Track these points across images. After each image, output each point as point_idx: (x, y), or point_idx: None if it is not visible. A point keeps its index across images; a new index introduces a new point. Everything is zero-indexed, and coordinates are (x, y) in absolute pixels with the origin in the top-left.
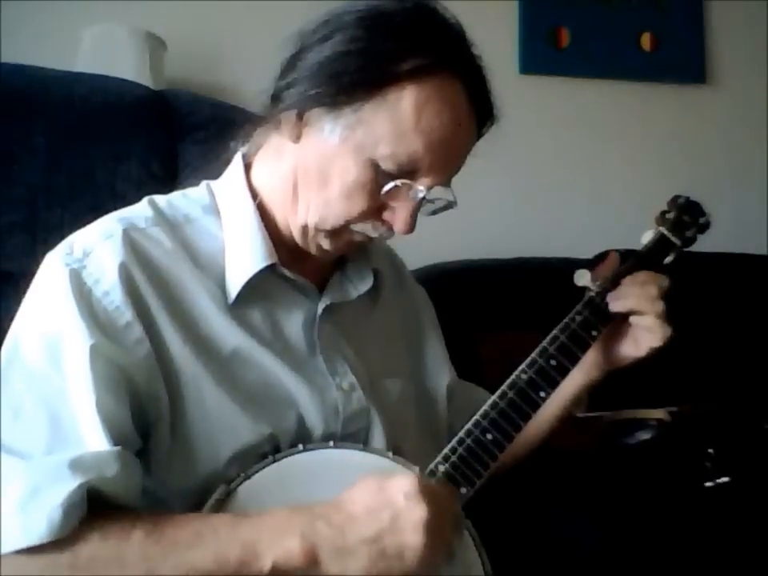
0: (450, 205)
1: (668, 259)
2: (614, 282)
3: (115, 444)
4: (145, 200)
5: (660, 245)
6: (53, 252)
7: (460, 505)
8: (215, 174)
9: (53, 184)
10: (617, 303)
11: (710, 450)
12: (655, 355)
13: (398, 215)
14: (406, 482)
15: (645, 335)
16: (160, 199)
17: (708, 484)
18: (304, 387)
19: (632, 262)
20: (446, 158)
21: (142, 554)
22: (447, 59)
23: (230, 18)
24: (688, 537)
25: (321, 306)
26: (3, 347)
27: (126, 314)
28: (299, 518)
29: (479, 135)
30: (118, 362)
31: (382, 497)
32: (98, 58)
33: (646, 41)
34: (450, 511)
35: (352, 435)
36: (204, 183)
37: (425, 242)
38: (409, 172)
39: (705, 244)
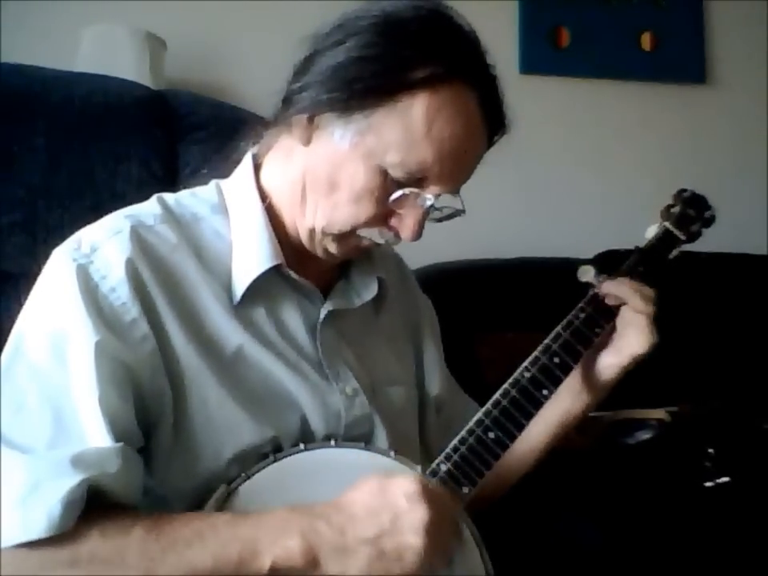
0: (457, 213)
1: (673, 254)
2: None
3: (118, 440)
4: (154, 197)
5: (664, 240)
6: (60, 247)
7: (461, 507)
8: (217, 174)
9: (53, 184)
10: (612, 288)
11: (710, 450)
12: (639, 363)
13: (405, 222)
14: (408, 483)
15: (629, 340)
16: (169, 197)
17: (708, 484)
18: (306, 390)
19: (636, 257)
20: (455, 167)
21: (142, 552)
22: (460, 68)
23: (230, 18)
24: (688, 537)
25: (323, 312)
26: (8, 341)
27: (132, 311)
28: (299, 518)
29: (490, 144)
30: (122, 359)
31: (382, 497)
32: (97, 58)
33: (646, 41)
34: (450, 514)
35: (354, 439)
36: (213, 182)
37: (425, 242)
38: (418, 180)
39: (705, 244)
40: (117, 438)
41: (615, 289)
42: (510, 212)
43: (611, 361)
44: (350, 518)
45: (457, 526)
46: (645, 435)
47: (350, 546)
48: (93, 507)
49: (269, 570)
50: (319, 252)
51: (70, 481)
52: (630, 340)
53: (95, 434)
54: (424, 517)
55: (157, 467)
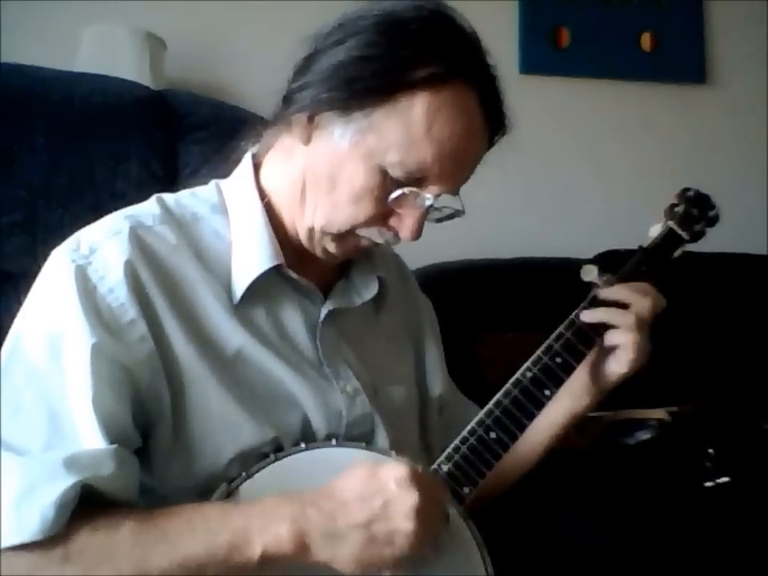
0: (457, 213)
1: (676, 254)
2: (620, 279)
3: (113, 442)
4: (153, 198)
5: (668, 239)
6: (59, 247)
7: (448, 495)
8: (217, 174)
9: (53, 184)
10: (587, 314)
11: (710, 450)
12: (641, 371)
13: (405, 222)
14: (398, 470)
15: (620, 355)
16: (168, 197)
17: (708, 484)
18: (307, 389)
19: (640, 256)
20: (455, 167)
21: (133, 543)
22: (461, 68)
23: (230, 18)
24: (688, 537)
25: (324, 311)
26: (6, 342)
27: (130, 312)
28: (289, 505)
29: (490, 145)
30: (120, 360)
31: (373, 483)
32: (97, 58)
33: (645, 41)
34: (439, 500)
35: (355, 439)
36: (213, 182)
37: (425, 242)
38: (417, 179)
39: (705, 244)
40: (112, 439)
41: (597, 315)
42: (510, 212)
43: (614, 369)
44: (341, 503)
45: (444, 510)
46: (645, 435)
47: (340, 532)
48: (88, 507)
49: (259, 557)
50: (318, 252)
51: (63, 483)
52: (621, 356)
53: (89, 436)
54: (414, 502)
55: (156, 467)
